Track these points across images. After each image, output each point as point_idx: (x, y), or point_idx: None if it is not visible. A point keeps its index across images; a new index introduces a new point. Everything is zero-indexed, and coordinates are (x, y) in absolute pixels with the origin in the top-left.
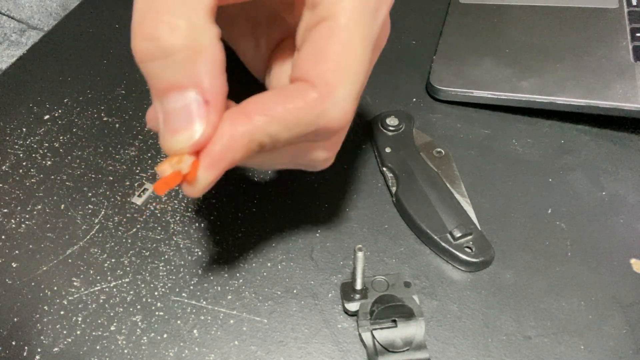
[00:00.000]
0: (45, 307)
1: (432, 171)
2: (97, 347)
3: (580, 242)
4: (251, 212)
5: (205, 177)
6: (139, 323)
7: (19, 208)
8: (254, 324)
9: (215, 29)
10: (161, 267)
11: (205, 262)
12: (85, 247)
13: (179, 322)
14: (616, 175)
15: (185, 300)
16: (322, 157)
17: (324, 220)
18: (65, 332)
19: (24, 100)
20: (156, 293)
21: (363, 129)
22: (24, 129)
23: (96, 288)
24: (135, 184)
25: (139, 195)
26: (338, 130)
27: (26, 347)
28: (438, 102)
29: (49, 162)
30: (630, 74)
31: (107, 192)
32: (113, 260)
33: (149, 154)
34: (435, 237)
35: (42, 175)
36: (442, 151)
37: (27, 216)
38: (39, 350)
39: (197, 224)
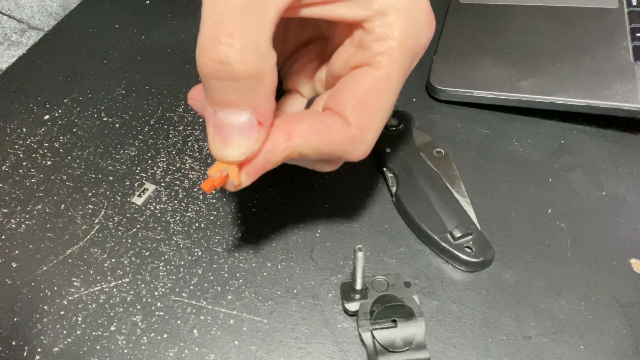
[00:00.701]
0: (45, 307)
1: (432, 171)
2: (97, 347)
3: (580, 242)
4: (251, 212)
5: (245, 181)
6: (139, 323)
7: (19, 208)
8: (254, 324)
9: (275, 55)
10: (161, 267)
11: (205, 262)
12: (85, 247)
13: (179, 322)
14: (616, 175)
15: (185, 300)
16: (330, 169)
17: (324, 220)
18: (65, 332)
19: (24, 100)
20: (156, 293)
21: None
22: (24, 129)
23: (96, 288)
24: (135, 184)
25: (139, 195)
26: (358, 160)
27: (26, 347)
28: (438, 102)
29: (49, 162)
30: (630, 74)
31: (107, 192)
32: (113, 260)
33: (149, 154)
34: (435, 237)
35: (42, 175)
36: (442, 151)
37: (27, 216)
38: (39, 350)
39: (197, 224)
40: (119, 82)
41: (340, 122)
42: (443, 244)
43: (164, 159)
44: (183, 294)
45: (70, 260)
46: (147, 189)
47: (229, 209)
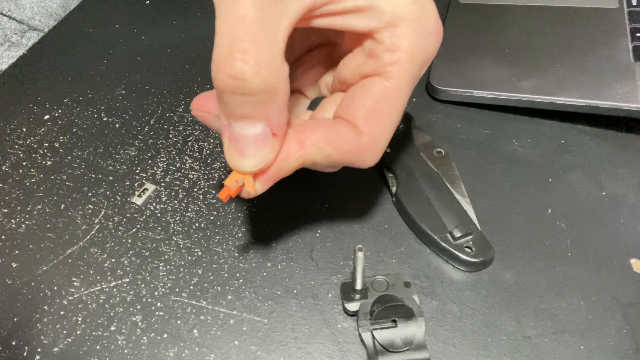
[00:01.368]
0: (45, 307)
1: (432, 171)
2: (97, 347)
3: (580, 242)
4: (251, 212)
5: (259, 189)
6: (139, 323)
7: (19, 208)
8: (254, 324)
9: (287, 68)
10: (161, 267)
11: (205, 262)
12: (85, 247)
13: (179, 322)
14: (616, 175)
15: (185, 300)
16: (333, 170)
17: (324, 220)
18: (65, 332)
19: (24, 100)
20: (156, 293)
21: None
22: (24, 129)
23: (96, 288)
24: (135, 184)
25: (139, 195)
26: (369, 167)
27: (26, 347)
28: (438, 102)
29: (49, 162)
30: (630, 74)
31: (107, 192)
32: (113, 260)
33: (149, 154)
34: (435, 237)
35: (42, 175)
36: (442, 151)
37: (27, 216)
38: (39, 350)
39: (197, 224)
40: (119, 82)
41: (352, 131)
42: (443, 244)
43: (164, 159)
44: (183, 294)
45: (70, 260)
46: (147, 189)
47: (229, 209)
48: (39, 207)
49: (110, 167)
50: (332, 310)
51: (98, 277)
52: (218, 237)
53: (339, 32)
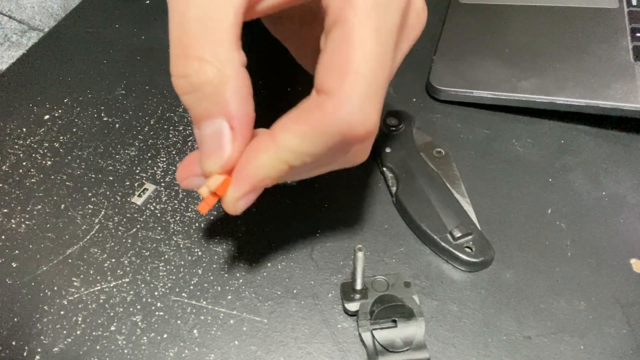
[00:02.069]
0: (45, 307)
1: (432, 171)
2: (97, 347)
3: (580, 242)
4: (251, 212)
5: (234, 193)
6: (139, 323)
7: (19, 208)
8: (254, 324)
9: (238, 58)
10: (161, 267)
11: (205, 262)
12: (85, 247)
13: (179, 322)
14: (616, 175)
15: (185, 300)
16: (356, 160)
17: (324, 220)
18: (65, 332)
19: (24, 100)
20: (156, 293)
21: None
22: (24, 129)
23: (96, 288)
24: (135, 184)
25: (139, 195)
26: (366, 136)
27: (26, 347)
28: (438, 102)
29: (49, 162)
30: (630, 74)
31: (107, 192)
32: (113, 260)
33: (149, 154)
34: (435, 237)
35: (42, 175)
36: (442, 151)
37: (27, 216)
38: (39, 350)
39: (197, 224)
40: (119, 82)
41: (318, 97)
42: (443, 244)
43: (164, 159)
44: (183, 294)
45: (70, 260)
46: (147, 189)
47: None
48: (39, 207)
49: (110, 167)
50: (332, 310)
51: (98, 277)
52: (218, 237)
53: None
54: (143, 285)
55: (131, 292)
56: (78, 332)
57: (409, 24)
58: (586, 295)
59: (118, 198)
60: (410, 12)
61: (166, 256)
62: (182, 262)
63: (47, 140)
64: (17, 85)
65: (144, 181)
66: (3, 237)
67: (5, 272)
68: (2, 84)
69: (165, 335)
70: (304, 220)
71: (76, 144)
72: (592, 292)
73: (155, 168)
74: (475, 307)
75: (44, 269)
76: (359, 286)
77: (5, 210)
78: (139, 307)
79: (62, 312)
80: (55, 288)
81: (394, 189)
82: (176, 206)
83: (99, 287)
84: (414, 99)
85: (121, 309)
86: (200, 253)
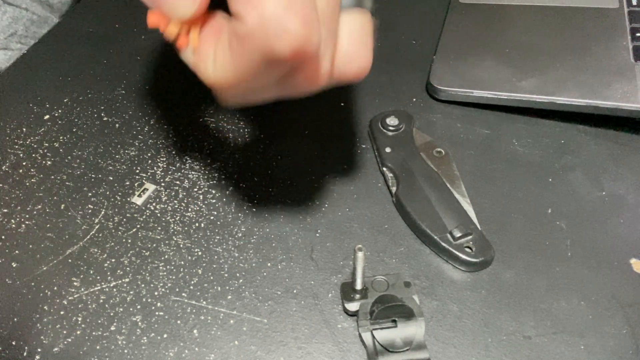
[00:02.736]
0: (45, 307)
1: (432, 171)
2: (97, 347)
3: (580, 242)
4: (251, 212)
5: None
6: (139, 323)
7: (19, 208)
8: (254, 324)
9: None
10: (161, 267)
11: (205, 262)
12: (85, 247)
13: (179, 322)
14: (616, 175)
15: (185, 300)
16: (305, 85)
17: (324, 220)
18: (65, 332)
19: (24, 100)
20: (156, 293)
21: (363, 129)
22: (24, 129)
23: (96, 288)
24: (135, 184)
25: (139, 195)
26: (292, 52)
27: (26, 347)
28: (438, 102)
29: (49, 162)
30: (630, 74)
31: (107, 192)
32: (113, 260)
33: (149, 154)
34: (435, 237)
35: (42, 175)
36: (442, 151)
37: (27, 216)
38: (39, 350)
39: (197, 224)
40: (119, 82)
41: (235, 23)
42: (443, 244)
43: (164, 159)
44: (183, 294)
45: (70, 260)
46: (147, 189)
47: (229, 209)
48: (39, 207)
49: (110, 167)
50: (332, 310)
51: (98, 277)
52: (218, 237)
53: None
54: (143, 285)
55: (131, 292)
56: (78, 332)
57: None
58: (586, 295)
59: (118, 198)
60: None
61: (166, 256)
62: (182, 262)
63: (47, 140)
64: (17, 85)
65: (144, 181)
66: (3, 237)
67: (5, 272)
68: (2, 84)
69: (165, 335)
70: (304, 220)
71: (76, 144)
72: (592, 292)
73: (155, 168)
74: (475, 307)
75: (44, 269)
76: (359, 286)
77: (5, 210)
78: (139, 307)
79: (62, 312)
80: (55, 288)
81: (394, 189)
82: (176, 206)
83: (99, 287)
84: (414, 99)
85: (121, 309)
86: (200, 253)
